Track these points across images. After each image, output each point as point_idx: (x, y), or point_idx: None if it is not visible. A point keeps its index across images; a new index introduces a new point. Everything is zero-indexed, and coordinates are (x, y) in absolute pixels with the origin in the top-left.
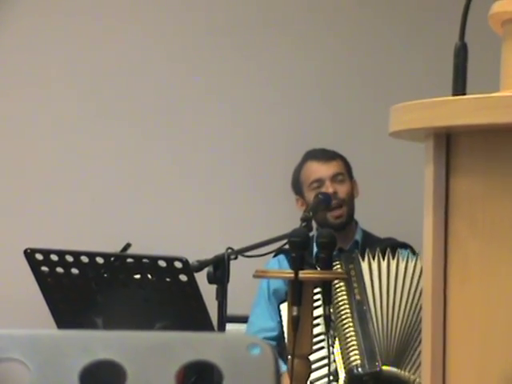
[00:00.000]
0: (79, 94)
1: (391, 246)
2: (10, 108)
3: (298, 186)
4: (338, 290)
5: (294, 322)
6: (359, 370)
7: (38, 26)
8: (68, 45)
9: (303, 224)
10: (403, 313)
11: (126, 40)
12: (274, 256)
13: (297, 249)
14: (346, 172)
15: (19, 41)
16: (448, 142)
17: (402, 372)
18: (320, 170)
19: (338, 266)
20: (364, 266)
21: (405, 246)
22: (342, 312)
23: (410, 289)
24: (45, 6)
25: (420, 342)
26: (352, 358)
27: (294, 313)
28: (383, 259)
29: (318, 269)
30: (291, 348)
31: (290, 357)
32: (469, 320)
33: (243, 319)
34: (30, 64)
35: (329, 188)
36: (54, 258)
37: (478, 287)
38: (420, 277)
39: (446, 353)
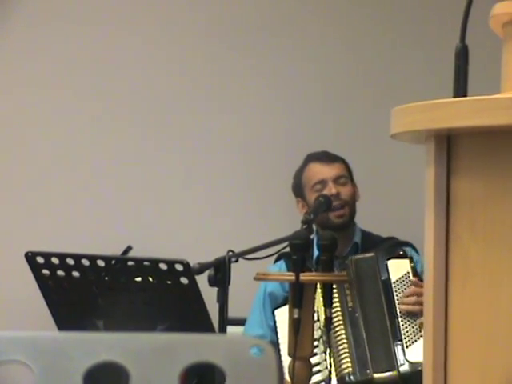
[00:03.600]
0: (81, 96)
1: (393, 245)
2: (11, 109)
3: (299, 189)
4: None
5: (295, 324)
6: (351, 377)
7: (38, 27)
8: (68, 45)
9: (304, 226)
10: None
11: (128, 40)
12: (275, 262)
13: (298, 251)
14: (349, 174)
15: (20, 41)
16: (449, 144)
17: (394, 374)
18: (323, 171)
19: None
20: (355, 272)
21: (406, 244)
22: (335, 319)
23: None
24: (46, 6)
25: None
26: (344, 366)
27: (295, 315)
28: (386, 260)
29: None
30: (292, 350)
31: (290, 360)
32: (470, 322)
33: (244, 322)
34: (31, 64)
35: (332, 189)
36: (55, 261)
37: (479, 289)
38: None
39: (447, 355)
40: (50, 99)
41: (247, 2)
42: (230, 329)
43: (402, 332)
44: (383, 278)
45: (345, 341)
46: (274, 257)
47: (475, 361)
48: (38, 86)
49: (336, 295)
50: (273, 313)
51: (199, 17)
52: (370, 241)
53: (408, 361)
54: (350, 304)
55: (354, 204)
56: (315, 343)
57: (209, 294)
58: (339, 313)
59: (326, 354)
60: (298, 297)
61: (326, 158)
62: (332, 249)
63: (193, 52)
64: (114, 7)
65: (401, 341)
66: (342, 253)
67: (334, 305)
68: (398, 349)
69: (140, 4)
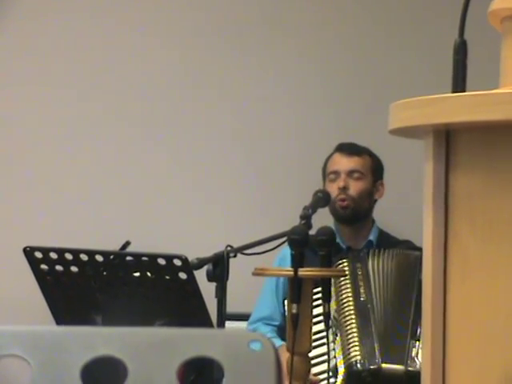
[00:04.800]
0: (79, 93)
1: (406, 249)
2: (10, 107)
3: (323, 174)
4: (343, 288)
5: (294, 319)
6: (358, 366)
7: (39, 26)
8: (69, 45)
9: (302, 222)
10: (402, 313)
11: (129, 40)
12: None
13: (296, 246)
14: (369, 171)
15: (21, 40)
16: (447, 139)
17: (402, 368)
18: (340, 162)
19: (345, 264)
20: (371, 265)
21: (421, 250)
22: (346, 309)
23: (409, 291)
24: (48, 5)
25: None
26: (352, 354)
27: (294, 310)
28: (391, 260)
29: None
30: (291, 345)
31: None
32: (469, 318)
33: (243, 317)
34: (32, 64)
35: (340, 182)
36: (54, 256)
37: (478, 285)
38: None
39: (445, 351)
40: (50, 98)
41: (252, 2)
42: (229, 324)
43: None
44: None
45: (355, 330)
46: (275, 251)
47: (474, 357)
48: (38, 86)
49: (349, 286)
50: (283, 302)
51: (204, 16)
52: (386, 241)
53: (419, 361)
54: (363, 296)
55: (365, 201)
56: (323, 334)
57: (207, 289)
58: (351, 303)
59: (334, 343)
60: (296, 292)
61: (348, 150)
62: (330, 244)
63: (197, 51)
64: (118, 6)
65: (418, 341)
66: (357, 247)
67: (346, 295)
68: (413, 348)
69: (142, 1)
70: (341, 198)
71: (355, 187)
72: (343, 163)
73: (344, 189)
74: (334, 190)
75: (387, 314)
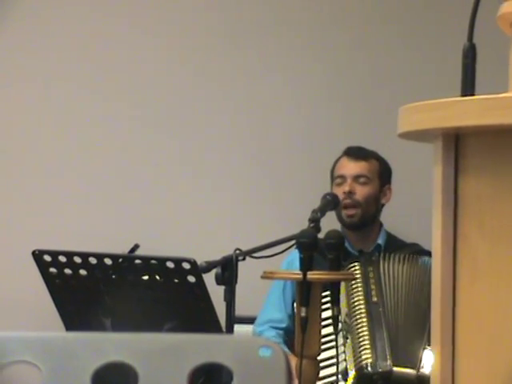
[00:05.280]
0: (89, 95)
1: (414, 253)
2: (14, 108)
3: (330, 177)
4: (354, 291)
5: (302, 323)
6: (369, 368)
7: (43, 24)
8: (70, 45)
9: (311, 225)
10: (415, 317)
11: (134, 38)
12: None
13: (305, 250)
14: (376, 176)
15: (22, 39)
16: (457, 143)
17: (413, 372)
18: (346, 167)
19: (357, 267)
20: (383, 269)
21: (429, 253)
22: (357, 312)
23: (423, 295)
24: (51, 4)
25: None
26: (363, 357)
27: (303, 314)
28: (403, 264)
29: None
30: (299, 349)
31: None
32: (478, 321)
33: (251, 320)
34: (31, 62)
35: (346, 187)
36: (63, 259)
37: (486, 288)
38: None
39: (455, 353)
40: (59, 99)
41: (258, 2)
42: (237, 327)
43: None
44: None
45: (366, 333)
46: (284, 254)
47: (483, 360)
48: (45, 89)
49: (360, 289)
50: (292, 304)
51: (209, 16)
52: (394, 244)
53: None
54: (375, 299)
55: (372, 205)
56: (332, 337)
57: (216, 293)
58: (362, 306)
59: (344, 346)
60: (305, 295)
61: (355, 154)
62: (339, 247)
63: (203, 51)
64: (123, 5)
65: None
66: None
67: (357, 298)
68: (427, 353)
69: (148, 2)
70: (346, 204)
71: (361, 192)
72: (350, 167)
73: (350, 193)
74: (340, 194)
75: (399, 318)
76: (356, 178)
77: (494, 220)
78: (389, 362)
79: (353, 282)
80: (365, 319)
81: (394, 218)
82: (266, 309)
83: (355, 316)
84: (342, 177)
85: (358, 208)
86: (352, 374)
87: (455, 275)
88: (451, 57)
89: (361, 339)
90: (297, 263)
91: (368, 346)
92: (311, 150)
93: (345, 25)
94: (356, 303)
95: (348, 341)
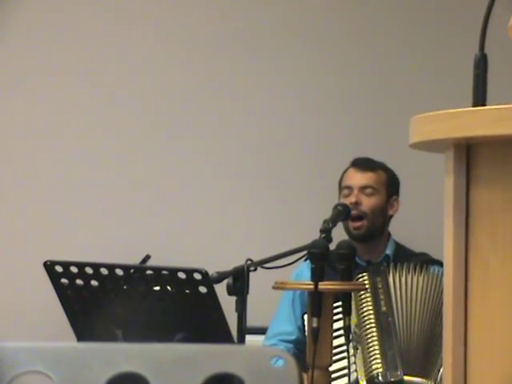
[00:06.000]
0: (97, 100)
1: (424, 262)
2: (24, 115)
3: (339, 188)
4: (363, 301)
5: (314, 333)
6: (380, 378)
7: (48, 21)
8: (70, 46)
9: (322, 235)
10: (427, 326)
11: (135, 39)
12: (305, 260)
13: (316, 260)
14: (383, 187)
15: (22, 39)
16: (468, 153)
17: (424, 381)
18: (353, 178)
19: (366, 278)
20: (392, 279)
21: (438, 262)
22: (367, 322)
23: (435, 304)
24: (51, 4)
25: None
26: (374, 367)
27: (314, 324)
28: (414, 274)
29: None
30: (311, 359)
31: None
32: (490, 332)
33: (263, 331)
34: (32, 63)
35: (352, 198)
36: (74, 270)
37: (498, 299)
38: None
39: (466, 365)
40: (69, 105)
41: (270, 9)
42: (249, 338)
43: None
44: None
45: (376, 343)
46: (294, 265)
47: (495, 371)
48: (56, 94)
49: (370, 299)
50: (302, 316)
51: (220, 20)
52: (402, 254)
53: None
54: (384, 308)
55: (377, 217)
56: (343, 348)
57: (227, 303)
58: (372, 316)
59: (355, 357)
60: (316, 305)
61: (362, 165)
62: (351, 258)
63: (213, 56)
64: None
65: None
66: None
67: (366, 308)
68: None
69: (151, 4)
70: (353, 215)
71: (367, 203)
72: (356, 178)
73: (356, 204)
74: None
75: (412, 327)
76: (362, 188)
77: (505, 231)
78: (399, 372)
79: (362, 292)
80: (374, 329)
81: (403, 228)
82: (276, 322)
83: (365, 326)
84: (349, 188)
85: (365, 219)
86: None
87: (467, 287)
88: (462, 67)
89: (371, 349)
90: (305, 276)
91: (378, 356)
92: (323, 160)
93: (356, 36)
94: (365, 313)
95: (358, 351)
